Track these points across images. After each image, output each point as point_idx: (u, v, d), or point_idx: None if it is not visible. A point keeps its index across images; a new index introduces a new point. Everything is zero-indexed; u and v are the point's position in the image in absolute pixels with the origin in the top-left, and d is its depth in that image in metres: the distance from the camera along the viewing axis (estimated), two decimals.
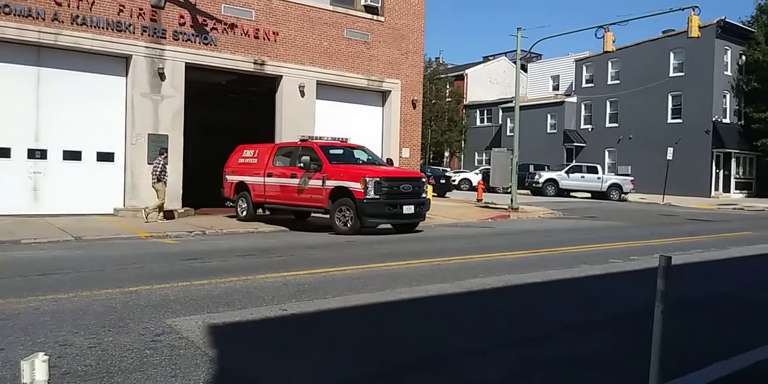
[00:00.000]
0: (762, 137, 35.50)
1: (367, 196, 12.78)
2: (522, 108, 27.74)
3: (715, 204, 29.36)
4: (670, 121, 37.06)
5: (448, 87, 52.98)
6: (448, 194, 29.11)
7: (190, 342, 4.69)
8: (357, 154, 15.11)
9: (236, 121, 21.05)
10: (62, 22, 14.83)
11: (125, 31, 15.68)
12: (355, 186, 12.91)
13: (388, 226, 14.00)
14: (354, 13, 19.81)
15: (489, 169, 32.59)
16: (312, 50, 18.86)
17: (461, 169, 45.41)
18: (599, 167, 34.09)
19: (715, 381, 4.14)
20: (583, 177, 32.74)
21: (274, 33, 18.07)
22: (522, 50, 23.49)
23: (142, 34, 15.92)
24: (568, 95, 43.74)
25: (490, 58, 59.04)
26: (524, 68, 45.78)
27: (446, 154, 54.06)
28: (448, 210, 19.42)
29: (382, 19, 20.40)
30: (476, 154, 51.13)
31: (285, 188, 14.48)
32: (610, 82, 40.52)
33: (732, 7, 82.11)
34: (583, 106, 42.41)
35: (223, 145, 17.86)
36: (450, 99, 52.44)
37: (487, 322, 5.72)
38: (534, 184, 33.08)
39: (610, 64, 40.17)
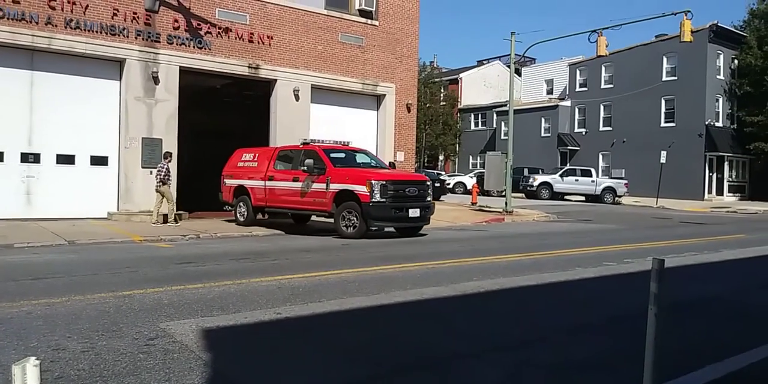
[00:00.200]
0: (754, 141, 35.69)
1: (373, 200, 12.64)
2: (516, 112, 27.82)
3: (708, 207, 29.47)
4: (663, 124, 37.21)
5: (442, 91, 53.10)
6: (442, 197, 29.10)
7: (184, 346, 4.68)
8: (359, 157, 14.98)
9: (231, 125, 21.04)
10: (56, 26, 14.81)
11: (119, 35, 15.67)
12: (361, 189, 12.77)
13: (391, 229, 13.89)
14: (348, 18, 19.85)
15: (483, 172, 32.58)
16: (306, 54, 18.88)
17: (456, 173, 45.48)
18: (593, 170, 34.20)
19: (709, 383, 4.15)
20: (577, 180, 32.82)
21: (268, 37, 18.08)
22: (516, 54, 23.56)
23: (136, 37, 15.91)
24: (562, 99, 43.89)
25: (484, 62, 59.23)
26: (518, 72, 45.90)
27: (441, 157, 54.13)
28: (442, 213, 19.40)
29: (377, 23, 20.44)
30: (471, 157, 51.21)
31: (287, 192, 14.30)
32: (603, 86, 40.69)
33: (724, 12, 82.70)
34: (576, 110, 42.56)
35: (218, 149, 17.85)
36: (444, 103, 52.54)
37: (482, 325, 5.72)
38: (528, 188, 33.14)
39: (603, 68, 40.34)
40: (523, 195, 32.84)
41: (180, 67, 16.57)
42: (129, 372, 4.05)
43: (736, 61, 37.25)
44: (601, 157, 40.54)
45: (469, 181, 36.33)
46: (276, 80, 18.34)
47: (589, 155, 40.62)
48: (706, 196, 35.57)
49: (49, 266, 8.71)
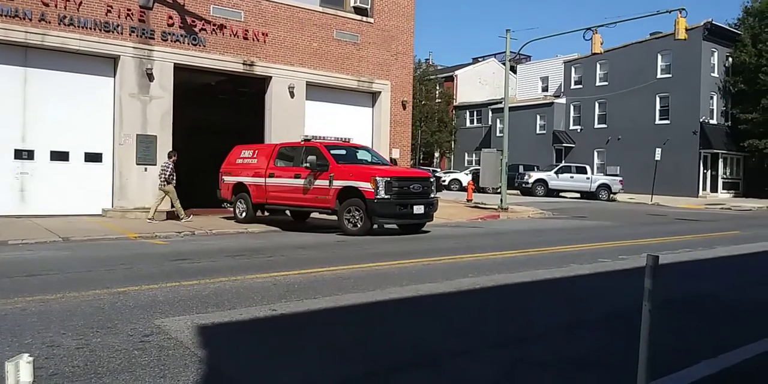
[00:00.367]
0: (749, 138, 35.82)
1: (378, 196, 12.55)
2: (511, 109, 27.85)
3: (702, 204, 29.58)
4: (658, 122, 37.32)
5: (437, 88, 53.10)
6: (438, 194, 29.11)
7: (179, 342, 4.67)
8: (360, 154, 14.91)
9: (225, 122, 20.97)
10: (49, 22, 14.73)
11: (113, 32, 15.60)
12: (365, 186, 12.68)
13: (393, 226, 13.83)
14: (343, 15, 19.81)
15: (479, 169, 32.62)
16: (301, 51, 18.83)
17: (451, 170, 45.51)
18: (588, 168, 34.30)
19: (703, 379, 4.16)
20: (572, 177, 32.89)
21: (263, 34, 18.03)
22: (511, 52, 23.58)
23: (130, 34, 15.85)
24: (557, 96, 43.95)
25: (479, 59, 59.22)
26: (513, 69, 45.92)
27: (436, 154, 54.16)
28: (438, 210, 19.39)
29: (372, 20, 20.41)
30: (466, 154, 51.26)
31: (288, 189, 14.17)
32: (598, 83, 40.76)
33: (719, 10, 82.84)
34: (572, 107, 42.63)
35: (213, 146, 17.80)
36: (440, 100, 52.56)
37: (477, 322, 5.72)
38: (524, 185, 33.21)
39: (598, 65, 40.41)
40: (519, 192, 32.90)
41: (174, 63, 16.51)
42: (124, 369, 4.04)
43: (730, 59, 37.37)
44: (596, 154, 40.63)
45: (465, 178, 36.40)
46: (271, 77, 18.30)
47: (584, 152, 40.71)
48: (701, 193, 35.71)
49: (43, 263, 8.68)
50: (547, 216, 20.45)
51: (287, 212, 15.84)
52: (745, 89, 36.11)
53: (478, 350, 4.74)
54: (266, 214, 15.70)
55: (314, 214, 15.55)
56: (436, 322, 5.69)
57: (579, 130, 41.84)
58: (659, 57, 37.28)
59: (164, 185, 14.90)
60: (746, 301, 7.10)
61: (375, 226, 13.13)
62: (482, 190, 31.10)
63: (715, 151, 36.29)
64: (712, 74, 36.80)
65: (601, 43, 20.96)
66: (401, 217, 13.14)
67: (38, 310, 5.63)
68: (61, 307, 5.77)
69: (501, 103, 35.23)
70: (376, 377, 4.13)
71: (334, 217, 13.81)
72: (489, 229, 15.67)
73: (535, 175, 33.51)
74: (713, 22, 35.95)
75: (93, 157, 15.83)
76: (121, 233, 12.35)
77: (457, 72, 54.97)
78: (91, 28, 15.27)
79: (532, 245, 11.70)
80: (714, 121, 36.80)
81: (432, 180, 14.22)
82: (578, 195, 33.11)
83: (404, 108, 21.43)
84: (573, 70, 42.77)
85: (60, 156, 15.37)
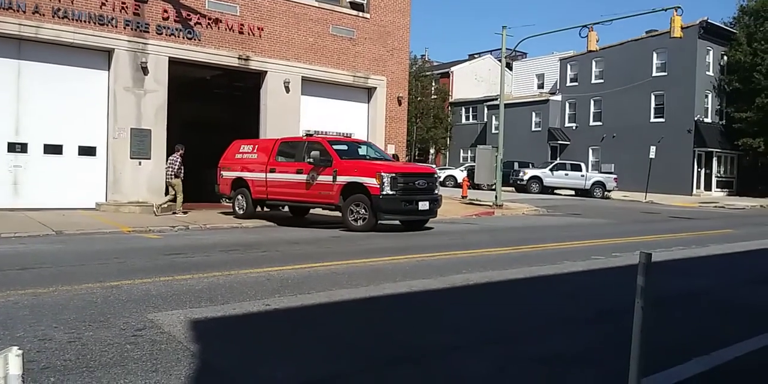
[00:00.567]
0: (743, 137, 35.93)
1: (384, 192, 12.42)
2: (507, 106, 27.82)
3: (696, 202, 29.68)
4: (652, 120, 37.39)
5: (433, 84, 53.06)
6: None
7: (172, 337, 4.66)
8: (363, 149, 14.77)
9: (220, 117, 20.94)
10: (43, 15, 14.63)
11: (108, 25, 15.51)
12: (371, 181, 12.53)
13: (395, 222, 13.73)
14: (340, 10, 19.76)
15: (474, 166, 32.62)
16: (297, 46, 18.78)
17: (446, 166, 45.52)
18: (583, 165, 34.36)
19: (695, 376, 4.18)
20: (567, 174, 32.95)
21: (258, 28, 17.97)
22: (507, 48, 23.56)
23: (124, 28, 15.76)
24: (553, 93, 43.97)
25: (475, 56, 59.21)
26: (509, 66, 45.95)
27: (432, 151, 54.15)
28: None
29: (368, 15, 20.36)
30: (461, 151, 51.26)
31: (290, 184, 13.95)
32: (594, 81, 40.80)
33: (714, 9, 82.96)
34: (567, 105, 42.67)
35: (207, 141, 17.76)
36: (435, 96, 52.52)
37: (471, 318, 5.73)
38: (518, 182, 33.25)
39: (594, 63, 40.44)
40: (513, 189, 32.94)
41: (169, 57, 16.44)
42: (116, 362, 4.03)
43: (725, 58, 37.45)
44: (591, 151, 40.70)
45: (460, 174, 36.39)
46: (266, 72, 18.24)
47: (579, 150, 40.78)
48: (695, 191, 35.83)
49: (36, 256, 8.64)
50: (541, 213, 20.49)
51: (286, 208, 15.75)
52: (740, 88, 36.19)
53: (471, 346, 4.75)
54: (266, 209, 15.56)
55: (313, 210, 15.49)
56: (430, 318, 5.69)
57: (574, 128, 41.90)
58: (655, 55, 37.33)
59: (171, 178, 14.89)
60: (738, 299, 7.13)
61: (380, 221, 13.01)
62: (477, 187, 31.11)
63: (710, 149, 36.40)
64: (707, 73, 36.88)
65: (597, 41, 20.98)
66: (406, 213, 12.99)
67: (30, 304, 5.61)
68: (53, 301, 5.75)
69: (497, 99, 35.21)
70: (369, 372, 4.14)
71: (334, 213, 13.72)
72: (483, 225, 15.68)
73: (530, 172, 33.56)
74: (709, 21, 36.02)
75: (87, 151, 15.77)
76: (114, 227, 12.30)
77: (453, 68, 54.94)
78: (85, 21, 15.18)
79: (526, 242, 11.72)
80: (708, 120, 36.90)
81: (436, 176, 14.11)
82: (573, 192, 33.18)
83: (400, 104, 21.41)
84: (569, 67, 42.80)
85: (54, 149, 15.30)
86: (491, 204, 21.48)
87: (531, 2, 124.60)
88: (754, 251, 11.78)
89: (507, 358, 4.50)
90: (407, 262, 8.79)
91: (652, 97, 37.39)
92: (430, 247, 10.52)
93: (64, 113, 15.30)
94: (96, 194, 15.75)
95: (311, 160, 13.23)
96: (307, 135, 14.38)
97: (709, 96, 37.12)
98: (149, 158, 16.08)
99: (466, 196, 24.46)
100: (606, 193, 32.37)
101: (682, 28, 19.56)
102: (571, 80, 42.56)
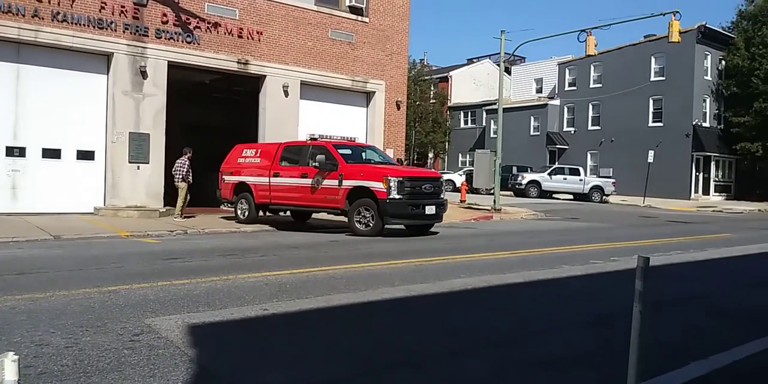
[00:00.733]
0: (741, 141, 36.00)
1: (390, 196, 12.33)
2: (505, 110, 27.90)
3: (694, 206, 29.70)
4: (651, 124, 37.47)
5: (432, 88, 53.15)
6: None
7: (170, 342, 4.64)
8: (367, 153, 14.71)
9: (219, 121, 20.92)
10: (43, 18, 14.65)
11: (107, 29, 15.53)
12: (377, 186, 12.45)
13: (400, 227, 13.63)
14: (339, 14, 19.80)
15: (472, 170, 32.73)
16: (296, 50, 18.81)
17: (445, 171, 45.54)
18: (581, 169, 34.39)
19: (694, 380, 4.17)
20: (565, 179, 32.98)
21: (258, 32, 17.99)
22: (506, 53, 23.62)
23: (124, 31, 15.78)
24: (551, 98, 44.06)
25: (474, 60, 59.32)
26: (508, 71, 46.02)
27: (430, 155, 54.18)
28: None
29: (367, 20, 20.40)
30: (460, 155, 51.30)
31: (294, 188, 13.83)
32: (592, 85, 40.90)
33: (713, 13, 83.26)
34: (565, 109, 42.75)
35: (206, 145, 17.74)
36: (434, 100, 52.60)
37: (469, 322, 5.72)
38: (517, 186, 33.26)
39: (592, 67, 40.54)
40: (512, 193, 32.96)
41: (168, 61, 16.45)
42: (113, 368, 4.01)
43: (723, 62, 37.54)
44: (589, 155, 40.76)
45: (458, 178, 36.40)
46: (265, 76, 18.26)
47: (577, 154, 40.84)
48: (693, 195, 35.87)
49: (34, 261, 8.62)
50: (539, 217, 20.49)
51: (286, 212, 15.71)
52: (738, 92, 36.28)
53: (469, 350, 4.74)
54: (268, 214, 15.45)
55: (314, 215, 15.45)
56: (428, 323, 5.68)
57: (572, 132, 41.97)
58: (653, 59, 37.43)
59: (179, 181, 14.90)
60: (737, 303, 7.13)
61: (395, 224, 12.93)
62: (475, 191, 31.14)
63: (708, 153, 36.47)
64: (705, 77, 36.97)
65: (595, 45, 21.07)
66: (413, 217, 12.89)
67: (27, 309, 5.59)
68: (50, 306, 5.73)
69: (495, 104, 35.28)
70: (368, 377, 4.12)
71: (336, 218, 13.65)
72: (482, 230, 15.68)
73: (528, 177, 33.58)
74: (707, 26, 36.12)
75: (85, 155, 15.76)
76: (112, 231, 12.29)
77: (451, 73, 55.05)
78: (84, 25, 15.20)
79: (525, 246, 11.72)
80: (707, 124, 36.97)
81: (442, 180, 14.04)
82: (571, 196, 33.19)
83: (398, 108, 21.43)
84: (567, 71, 42.90)
85: (52, 153, 15.28)
86: (490, 208, 21.49)
87: (530, 7, 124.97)
88: (753, 255, 11.78)
89: (506, 362, 4.49)
90: (405, 267, 8.78)
91: (651, 102, 37.47)
92: (429, 252, 10.51)
93: (63, 117, 15.29)
94: (94, 198, 15.73)
95: (316, 164, 13.15)
96: (311, 139, 14.32)
97: (707, 100, 37.20)
98: (148, 162, 16.07)
99: (464, 201, 24.47)
100: (604, 197, 32.40)
101: (680, 32, 19.63)
102: (570, 85, 42.65)
